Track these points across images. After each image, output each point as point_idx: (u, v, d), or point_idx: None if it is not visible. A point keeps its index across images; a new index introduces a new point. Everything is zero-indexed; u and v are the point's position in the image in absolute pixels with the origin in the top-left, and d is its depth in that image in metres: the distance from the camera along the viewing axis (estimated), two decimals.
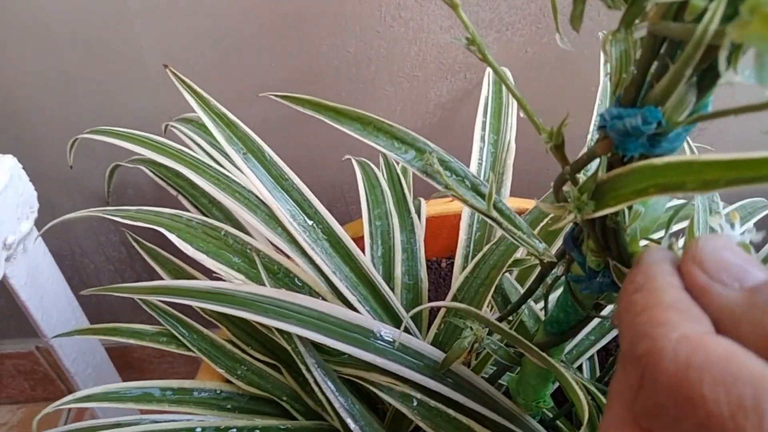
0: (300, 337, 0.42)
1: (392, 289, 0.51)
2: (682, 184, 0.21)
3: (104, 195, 0.76)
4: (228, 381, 0.46)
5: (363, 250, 0.52)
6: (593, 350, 0.49)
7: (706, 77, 0.21)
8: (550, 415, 0.47)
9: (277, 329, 0.41)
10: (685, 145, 0.51)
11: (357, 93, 0.71)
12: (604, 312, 0.35)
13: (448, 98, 0.73)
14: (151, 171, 0.59)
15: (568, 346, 0.50)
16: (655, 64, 0.23)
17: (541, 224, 0.48)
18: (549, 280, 0.38)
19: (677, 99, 0.22)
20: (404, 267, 0.52)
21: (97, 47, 0.64)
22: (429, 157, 0.33)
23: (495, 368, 0.45)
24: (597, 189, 0.26)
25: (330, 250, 0.43)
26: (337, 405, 0.41)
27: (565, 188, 0.28)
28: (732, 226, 0.27)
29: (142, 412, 0.46)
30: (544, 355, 0.35)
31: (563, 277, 0.34)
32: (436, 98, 0.73)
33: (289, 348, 0.41)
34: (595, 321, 0.53)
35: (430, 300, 0.53)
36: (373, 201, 0.54)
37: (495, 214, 0.34)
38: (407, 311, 0.51)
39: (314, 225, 0.43)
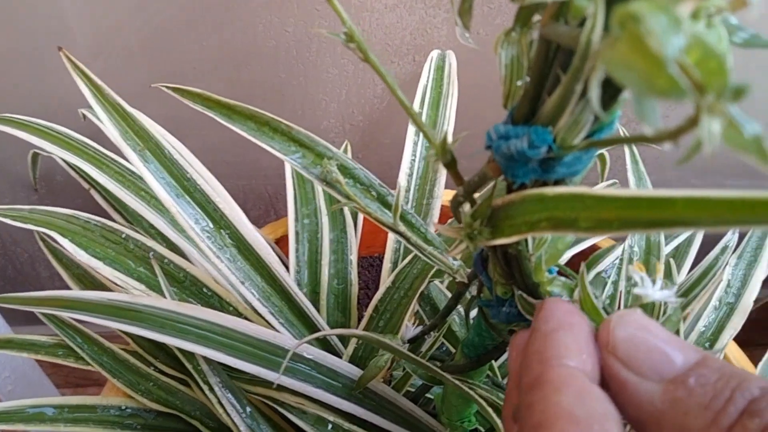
0: (203, 356, 0.38)
1: (318, 294, 0.47)
2: (574, 221, 0.18)
3: (31, 182, 0.71)
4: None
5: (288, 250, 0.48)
6: None
7: (606, 93, 0.18)
8: (482, 430, 0.44)
9: (178, 348, 0.38)
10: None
11: (298, 75, 0.67)
12: None
13: (397, 82, 0.69)
14: (64, 162, 0.54)
15: (501, 360, 0.47)
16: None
17: None
18: (469, 295, 0.35)
19: (571, 118, 0.18)
20: (333, 269, 0.48)
21: (19, 25, 0.58)
22: (327, 164, 0.29)
23: (420, 383, 0.42)
24: (493, 214, 0.22)
25: (239, 257, 0.40)
26: (243, 428, 0.38)
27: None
28: (653, 281, 0.24)
29: None
30: (456, 382, 0.32)
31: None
32: (382, 81, 0.69)
33: (190, 366, 0.38)
34: None
35: (360, 302, 0.50)
36: (302, 197, 0.50)
37: (402, 228, 0.30)
38: (334, 317, 0.47)
39: (220, 230, 0.39)
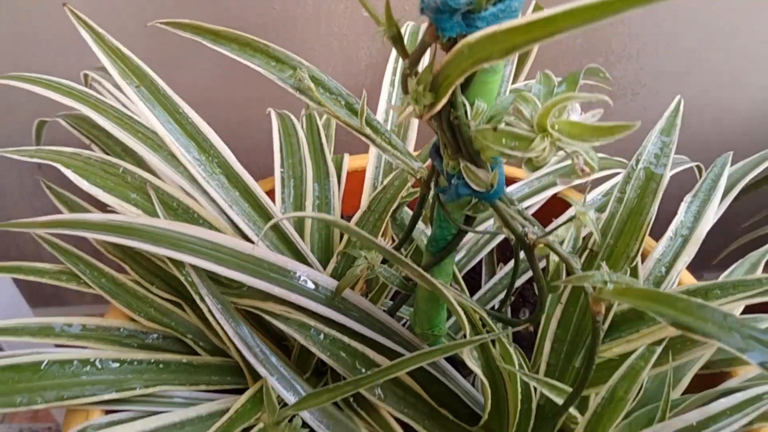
0: (195, 268, 0.42)
1: (302, 230, 0.51)
2: (490, 55, 0.22)
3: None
4: (134, 320, 0.46)
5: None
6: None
7: None
8: (453, 335, 0.48)
9: (170, 259, 0.41)
10: None
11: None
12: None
13: (379, 58, 0.74)
14: (67, 122, 0.58)
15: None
16: None
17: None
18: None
19: None
20: (316, 211, 0.52)
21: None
22: (299, 73, 0.33)
23: (393, 302, 0.46)
24: (434, 80, 0.26)
25: (227, 184, 0.43)
26: (231, 333, 0.41)
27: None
28: None
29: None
30: (423, 272, 0.36)
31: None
32: (366, 58, 0.73)
33: (182, 278, 0.41)
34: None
35: None
36: (287, 149, 0.54)
37: (368, 131, 0.34)
38: (318, 256, 0.51)
39: (209, 159, 0.43)
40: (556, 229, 0.32)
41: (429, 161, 0.35)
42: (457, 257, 0.54)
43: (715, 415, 0.38)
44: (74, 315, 0.46)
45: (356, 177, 0.63)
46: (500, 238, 0.56)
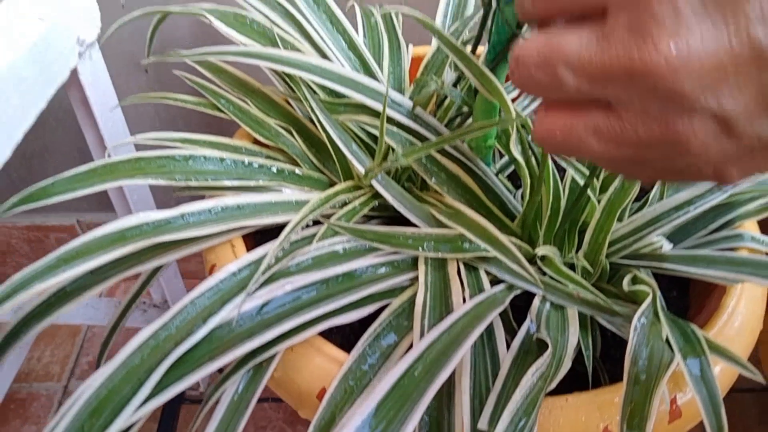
0: (308, 88, 0.55)
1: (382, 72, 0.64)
2: None
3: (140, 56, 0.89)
4: (255, 142, 0.60)
5: None
6: None
7: None
8: (495, 169, 0.60)
9: (288, 78, 0.55)
10: None
11: None
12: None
13: None
14: None
15: None
16: None
17: None
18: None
19: None
20: (390, 68, 0.66)
21: None
22: None
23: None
24: None
25: (330, 27, 0.57)
26: (334, 136, 0.54)
27: None
28: None
29: None
30: (484, 69, 0.48)
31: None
32: None
33: (297, 92, 0.55)
34: None
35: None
36: (368, 27, 0.68)
37: None
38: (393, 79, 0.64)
39: (318, 6, 0.57)
40: None
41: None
42: None
43: (702, 194, 0.51)
44: None
45: (417, 63, 0.76)
46: None
